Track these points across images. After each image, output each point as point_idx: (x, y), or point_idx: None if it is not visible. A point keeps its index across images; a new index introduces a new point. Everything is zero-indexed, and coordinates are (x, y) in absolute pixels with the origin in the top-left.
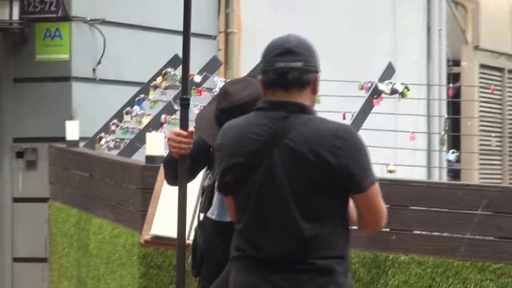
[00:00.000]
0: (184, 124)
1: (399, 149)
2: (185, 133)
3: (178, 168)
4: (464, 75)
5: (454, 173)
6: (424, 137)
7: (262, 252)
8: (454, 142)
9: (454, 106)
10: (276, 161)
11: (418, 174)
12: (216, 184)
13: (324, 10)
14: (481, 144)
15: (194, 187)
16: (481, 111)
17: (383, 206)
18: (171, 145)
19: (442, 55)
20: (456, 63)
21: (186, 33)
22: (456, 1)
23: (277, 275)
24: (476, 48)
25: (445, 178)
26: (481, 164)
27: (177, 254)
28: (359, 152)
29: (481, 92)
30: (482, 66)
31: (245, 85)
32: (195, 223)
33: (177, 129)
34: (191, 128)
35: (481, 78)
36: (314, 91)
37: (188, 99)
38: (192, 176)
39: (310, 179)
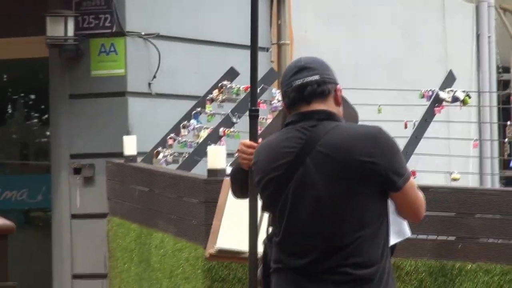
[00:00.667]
0: (253, 135)
1: (453, 156)
2: (255, 144)
3: (245, 181)
4: None
5: (507, 180)
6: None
7: (300, 260)
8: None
9: (505, 113)
10: (309, 168)
11: (472, 182)
12: None
13: (374, 20)
14: None
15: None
16: None
17: (420, 196)
18: (242, 157)
19: (492, 62)
20: (506, 69)
21: (254, 47)
22: (505, 8)
23: (316, 286)
24: None
25: (497, 185)
26: None
27: (249, 266)
28: (391, 152)
29: None
30: None
31: None
32: (262, 236)
33: (246, 140)
34: (260, 140)
35: None
36: (338, 102)
37: (257, 111)
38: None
39: (345, 183)
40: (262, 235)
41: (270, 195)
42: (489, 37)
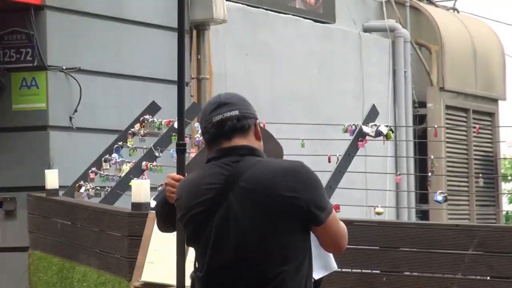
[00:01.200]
0: (180, 169)
1: (373, 190)
2: (182, 178)
3: (170, 214)
4: (430, 116)
5: (423, 214)
6: (393, 177)
7: None
8: (422, 182)
9: (421, 147)
10: (232, 204)
11: (388, 215)
12: None
13: (292, 56)
14: (449, 185)
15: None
16: (447, 152)
17: (342, 228)
18: (170, 190)
19: (408, 97)
20: (422, 104)
21: (181, 82)
22: (421, 43)
23: None
24: (442, 89)
25: (414, 219)
26: (449, 204)
27: None
28: (313, 186)
29: (447, 133)
30: (448, 107)
31: None
32: (189, 270)
33: (174, 174)
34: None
35: (446, 119)
36: (258, 136)
37: (185, 145)
38: None
39: (268, 218)
40: (189, 269)
41: (193, 231)
42: (405, 72)
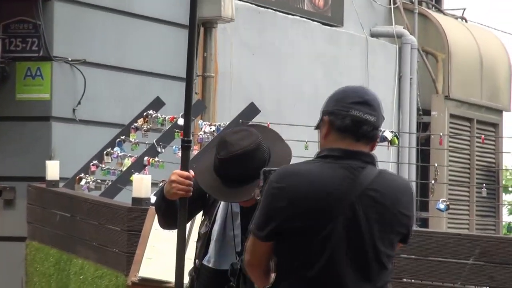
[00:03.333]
0: (185, 166)
1: None
2: (191, 175)
3: (168, 210)
4: (433, 124)
5: (422, 221)
6: None
7: None
8: (422, 189)
9: (423, 155)
10: (356, 211)
11: None
12: (250, 227)
13: (298, 57)
14: (450, 193)
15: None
16: (450, 160)
17: None
18: (178, 187)
19: (413, 104)
20: (426, 112)
21: (189, 79)
22: (428, 50)
23: None
24: (447, 98)
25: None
26: (449, 213)
27: None
28: (414, 208)
29: (450, 141)
30: (452, 116)
31: (244, 135)
32: (188, 267)
33: (180, 171)
34: (191, 171)
35: (450, 127)
36: (373, 149)
37: (190, 141)
38: (187, 220)
39: (386, 230)
40: (188, 266)
41: (300, 229)
42: (410, 79)
